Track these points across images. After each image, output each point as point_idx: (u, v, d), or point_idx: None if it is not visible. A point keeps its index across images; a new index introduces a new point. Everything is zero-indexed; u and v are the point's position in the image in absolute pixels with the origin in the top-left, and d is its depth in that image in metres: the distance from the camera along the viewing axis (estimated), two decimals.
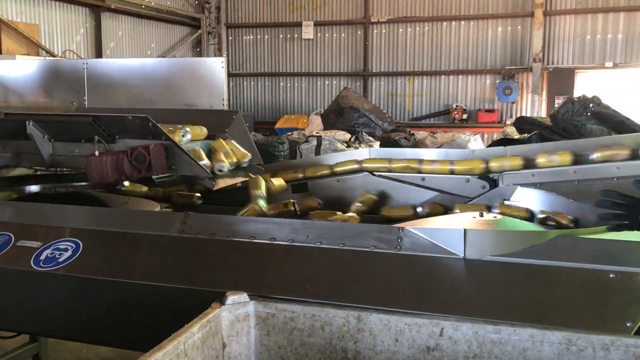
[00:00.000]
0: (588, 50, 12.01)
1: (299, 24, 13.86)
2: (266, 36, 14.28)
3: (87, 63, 3.96)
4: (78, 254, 2.40)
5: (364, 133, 10.44)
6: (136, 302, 2.22)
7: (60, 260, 2.38)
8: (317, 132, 10.61)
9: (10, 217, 2.66)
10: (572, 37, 12.10)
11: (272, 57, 14.29)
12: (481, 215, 2.60)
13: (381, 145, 10.01)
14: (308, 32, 13.89)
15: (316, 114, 12.53)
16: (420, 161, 3.39)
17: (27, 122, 2.99)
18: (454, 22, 12.89)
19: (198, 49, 14.34)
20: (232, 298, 1.96)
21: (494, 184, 3.22)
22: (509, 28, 12.53)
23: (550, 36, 12.20)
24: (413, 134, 11.22)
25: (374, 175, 3.44)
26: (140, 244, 2.44)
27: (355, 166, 3.46)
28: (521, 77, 12.44)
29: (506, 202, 3.15)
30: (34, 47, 9.40)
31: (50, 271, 2.35)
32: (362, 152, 3.58)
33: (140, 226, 2.50)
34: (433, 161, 3.35)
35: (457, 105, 12.94)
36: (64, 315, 2.37)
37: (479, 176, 3.23)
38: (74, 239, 2.47)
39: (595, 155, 2.98)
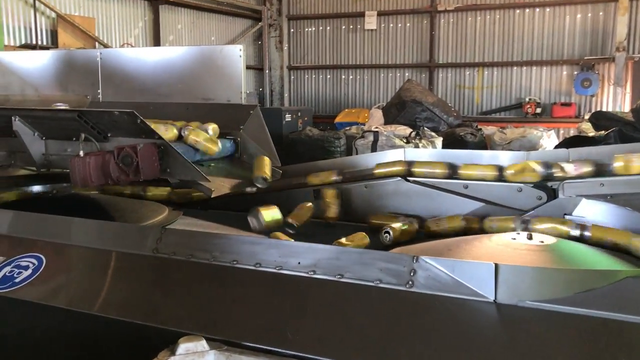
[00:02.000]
0: None
1: (361, 14, 13.33)
2: (328, 27, 13.82)
3: (101, 53, 3.65)
4: (38, 273, 2.05)
5: (425, 128, 9.80)
6: (87, 336, 1.84)
7: (17, 280, 2.04)
8: (376, 127, 10.08)
9: None
10: None
11: (334, 49, 13.83)
12: (529, 237, 2.04)
13: (444, 141, 9.40)
14: (371, 22, 13.33)
15: (377, 107, 11.98)
16: (464, 165, 2.84)
17: (13, 118, 2.68)
18: (527, 10, 11.97)
19: (259, 42, 14.09)
20: (185, 346, 1.54)
21: (552, 194, 2.65)
22: (589, 15, 11.49)
23: (637, 22, 11.06)
24: (480, 129, 10.48)
25: (408, 181, 2.92)
26: (107, 265, 2.06)
27: (387, 169, 2.95)
28: (602, 68, 11.39)
29: (567, 218, 2.56)
30: (90, 40, 9.37)
31: (3, 293, 2.01)
32: (396, 154, 3.06)
33: (112, 242, 2.12)
34: (479, 165, 2.80)
35: (530, 99, 12.03)
36: (10, 344, 2.03)
37: (535, 184, 2.66)
38: (38, 255, 2.13)
39: None
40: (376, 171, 2.95)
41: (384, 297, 1.68)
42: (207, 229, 2.90)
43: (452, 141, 9.81)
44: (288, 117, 11.44)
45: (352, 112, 12.86)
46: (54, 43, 8.95)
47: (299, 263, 1.82)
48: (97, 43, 9.56)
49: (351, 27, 13.60)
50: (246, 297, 1.80)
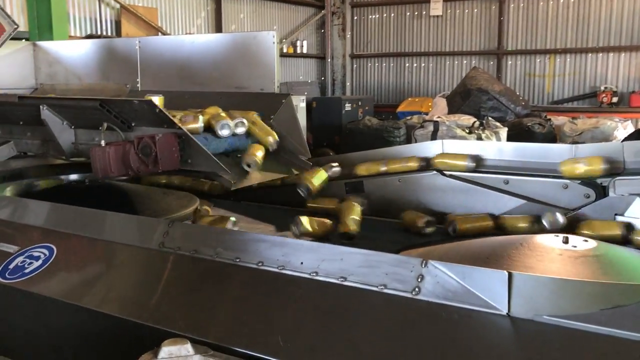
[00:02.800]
0: None
1: (427, 0, 12.92)
2: (392, 14, 13.49)
3: (140, 42, 3.64)
4: (47, 264, 2.03)
5: (490, 118, 9.40)
6: (79, 329, 1.80)
7: (26, 271, 2.02)
8: (437, 117, 9.77)
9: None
10: None
11: (398, 36, 13.50)
12: (565, 241, 1.83)
13: (510, 132, 8.99)
14: (437, 8, 12.90)
15: (441, 96, 11.62)
16: (505, 160, 2.63)
17: (41, 107, 2.69)
18: None
19: (322, 31, 13.96)
20: (168, 350, 1.46)
21: (602, 192, 2.40)
22: None
23: None
24: (549, 119, 9.96)
25: (444, 175, 2.73)
26: (112, 258, 2.01)
27: (422, 163, 2.77)
28: None
29: (619, 218, 2.32)
30: (152, 30, 9.54)
31: (11, 284, 1.99)
32: (432, 146, 2.87)
33: (121, 235, 2.07)
34: (520, 160, 2.57)
35: (605, 87, 11.29)
36: (17, 334, 2.02)
37: (582, 181, 2.42)
38: (50, 245, 2.11)
39: None
40: (409, 164, 2.78)
41: (387, 305, 1.54)
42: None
43: (518, 132, 9.37)
44: (348, 107, 11.28)
45: (415, 101, 12.53)
46: (117, 33, 9.17)
47: (302, 263, 1.70)
48: (159, 33, 9.72)
49: (416, 13, 13.23)
50: (244, 298, 1.70)
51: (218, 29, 11.09)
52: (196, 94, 3.33)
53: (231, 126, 2.66)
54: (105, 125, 2.53)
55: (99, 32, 8.96)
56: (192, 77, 3.42)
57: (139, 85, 3.65)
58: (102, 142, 2.48)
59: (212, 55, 3.36)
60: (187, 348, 1.45)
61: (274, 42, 3.12)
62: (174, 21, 10.38)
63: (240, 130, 2.74)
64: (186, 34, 10.48)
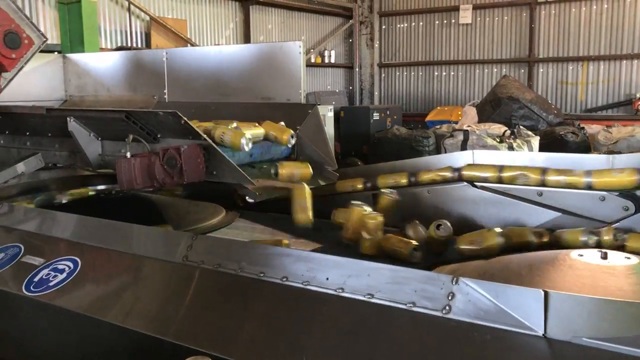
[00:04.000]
0: None
1: (456, 8, 12.82)
2: (421, 23, 13.43)
3: (167, 53, 3.65)
4: (72, 277, 2.02)
5: (521, 127, 9.23)
6: (100, 344, 1.78)
7: (51, 284, 2.01)
8: (468, 126, 9.64)
9: (26, 224, 2.37)
10: None
11: (427, 45, 13.41)
12: (604, 257, 1.74)
13: (542, 141, 8.82)
14: (466, 16, 12.79)
15: (471, 105, 11.47)
16: (541, 170, 2.53)
17: (68, 119, 2.70)
18: None
19: (350, 40, 13.95)
20: None
21: None
22: None
23: None
24: (583, 127, 9.75)
25: (475, 186, 2.66)
26: (138, 272, 1.99)
27: (452, 174, 2.70)
28: None
29: None
30: (181, 42, 9.64)
31: (36, 297, 1.99)
32: (463, 156, 2.80)
33: (145, 247, 2.05)
34: (556, 170, 2.48)
35: None
36: (41, 347, 2.01)
37: (620, 193, 2.32)
38: (74, 258, 2.10)
39: None
40: (439, 175, 2.71)
41: (416, 324, 1.47)
42: (259, 234, 2.80)
43: (551, 141, 9.19)
44: (376, 116, 11.21)
45: (444, 110, 12.41)
46: (147, 45, 9.29)
47: (327, 279, 1.65)
48: (188, 44, 9.82)
49: (445, 21, 13.14)
50: (268, 315, 1.65)
51: (246, 39, 11.17)
52: (223, 104, 3.31)
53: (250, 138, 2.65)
54: (130, 137, 2.52)
55: (129, 44, 9.08)
56: (219, 88, 3.41)
57: (166, 96, 3.65)
58: (128, 154, 2.47)
59: (239, 65, 3.34)
60: None
61: (300, 52, 3.08)
62: (203, 32, 10.48)
63: None
64: (215, 45, 10.57)
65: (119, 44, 9.02)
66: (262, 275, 1.75)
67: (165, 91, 3.64)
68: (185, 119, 2.34)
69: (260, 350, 1.52)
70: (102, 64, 3.97)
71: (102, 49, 8.22)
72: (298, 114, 3.01)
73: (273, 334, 1.57)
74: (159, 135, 2.59)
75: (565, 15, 11.81)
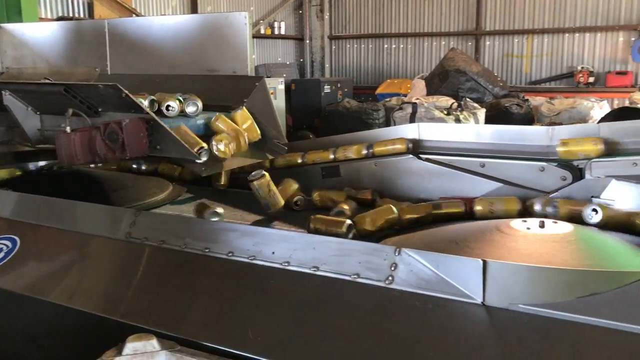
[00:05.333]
0: None
1: None
2: None
3: (109, 24, 3.52)
4: (10, 256, 1.95)
5: (468, 99, 9.40)
6: (43, 325, 1.74)
7: None
8: (416, 99, 9.74)
9: None
10: None
11: (376, 17, 13.39)
12: (541, 225, 1.80)
13: (488, 113, 9.01)
14: None
15: (420, 78, 11.59)
16: (482, 142, 2.59)
17: (3, 92, 2.58)
18: None
19: (300, 11, 13.80)
20: (133, 346, 1.40)
21: (578, 174, 2.38)
22: None
23: None
24: (527, 99, 9.99)
25: (421, 158, 2.69)
26: (80, 250, 1.94)
27: (397, 146, 2.73)
28: None
29: (595, 201, 2.29)
30: (126, 12, 9.32)
31: None
32: (409, 129, 2.83)
33: (87, 225, 2.00)
34: (497, 143, 2.54)
35: (582, 67, 11.35)
36: None
37: (558, 163, 2.39)
38: (13, 237, 2.03)
39: None
40: (385, 148, 2.73)
41: (360, 295, 1.49)
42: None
43: (496, 112, 9.38)
44: (327, 89, 11.19)
45: (394, 83, 12.49)
46: (90, 15, 8.95)
47: (274, 253, 1.65)
48: (133, 15, 9.50)
49: None
50: (213, 290, 1.65)
51: (194, 10, 10.89)
52: (167, 77, 3.23)
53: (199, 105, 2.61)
54: (70, 110, 2.43)
55: (70, 14, 8.72)
56: (163, 60, 3.32)
57: (108, 68, 3.53)
58: (68, 129, 2.39)
59: (183, 37, 3.26)
60: (153, 344, 1.40)
61: (246, 23, 3.02)
62: (149, 2, 10.16)
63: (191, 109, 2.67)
64: (161, 15, 10.27)
65: (60, 14, 8.65)
66: (207, 250, 1.73)
67: (108, 63, 3.52)
68: (127, 91, 2.27)
69: (206, 327, 1.52)
70: (41, 34, 3.80)
71: (41, 19, 7.87)
72: (245, 86, 2.97)
73: (219, 310, 1.57)
74: (100, 109, 2.52)
75: None
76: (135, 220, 1.88)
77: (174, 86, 3.07)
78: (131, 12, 9.51)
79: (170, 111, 2.55)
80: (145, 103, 2.47)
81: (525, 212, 2.17)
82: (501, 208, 2.18)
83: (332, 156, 2.83)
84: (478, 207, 2.19)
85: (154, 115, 2.34)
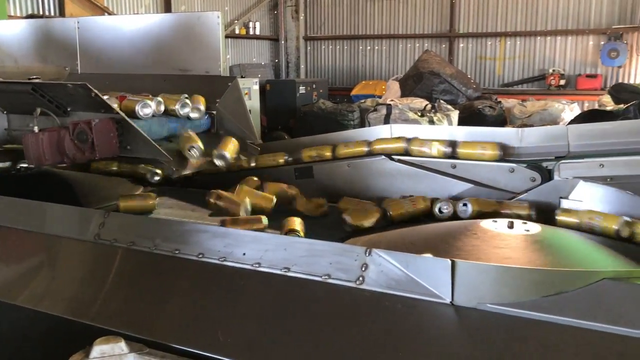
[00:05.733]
0: None
1: None
2: None
3: (79, 22, 3.47)
4: None
5: (442, 101, 9.48)
6: (11, 328, 1.70)
7: None
8: (390, 100, 9.79)
9: None
10: None
11: (352, 19, 13.43)
12: (510, 226, 1.83)
13: (461, 115, 9.10)
14: None
15: (394, 79, 11.64)
16: (454, 143, 2.61)
17: None
18: None
19: (275, 12, 13.76)
20: (100, 349, 1.38)
21: (547, 175, 2.41)
22: None
23: None
24: (500, 101, 10.11)
25: (393, 159, 2.71)
26: (48, 252, 1.91)
27: (369, 148, 2.74)
28: (630, 38, 10.81)
29: (563, 201, 2.34)
30: (98, 11, 9.19)
31: None
32: (382, 131, 2.84)
33: (55, 226, 1.96)
34: (469, 143, 2.56)
35: (554, 70, 11.52)
36: None
37: (528, 164, 2.43)
38: None
39: None
40: (357, 149, 2.74)
41: (330, 295, 1.49)
42: (178, 210, 2.75)
43: (469, 114, 9.47)
44: (302, 90, 11.18)
45: (369, 84, 12.53)
46: (61, 13, 8.80)
47: (244, 254, 1.64)
48: (106, 13, 9.38)
49: None
50: (183, 292, 1.63)
51: (167, 9, 10.79)
52: (139, 76, 3.20)
53: (152, 107, 2.60)
54: (38, 110, 2.39)
55: (40, 12, 8.57)
56: (134, 59, 3.29)
57: (78, 67, 3.49)
58: (36, 128, 2.35)
59: (155, 36, 3.23)
60: (121, 346, 1.38)
61: (218, 23, 3.01)
62: (121, 1, 10.04)
63: (185, 111, 2.70)
64: (134, 14, 10.16)
65: (30, 12, 8.49)
66: (177, 252, 1.72)
67: (78, 62, 3.47)
68: (96, 91, 2.24)
69: (176, 329, 1.50)
70: (9, 32, 3.73)
71: (10, 17, 7.72)
72: (217, 86, 2.95)
73: (188, 311, 1.56)
74: (69, 109, 2.48)
75: None
76: (104, 222, 1.86)
77: (145, 86, 3.04)
78: (103, 10, 9.38)
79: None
80: (152, 105, 2.49)
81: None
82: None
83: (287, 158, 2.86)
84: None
85: (124, 115, 2.32)
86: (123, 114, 2.32)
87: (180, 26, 3.14)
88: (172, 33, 3.17)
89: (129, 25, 3.33)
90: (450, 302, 1.36)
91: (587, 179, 2.29)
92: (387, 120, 8.68)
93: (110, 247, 1.80)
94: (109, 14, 9.45)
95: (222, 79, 2.98)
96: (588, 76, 11.22)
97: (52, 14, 8.78)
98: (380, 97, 11.15)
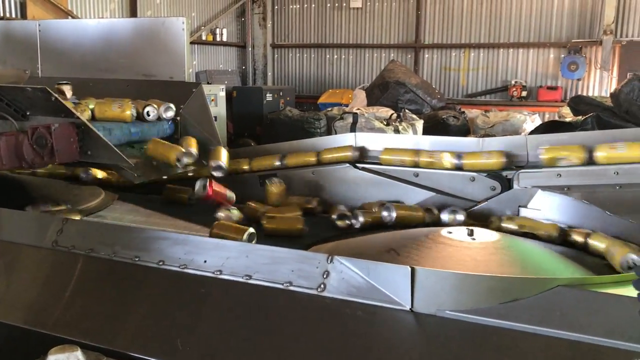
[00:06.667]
0: None
1: None
2: (313, 5, 13.48)
3: (40, 25, 3.41)
4: None
5: (407, 110, 9.59)
6: None
7: None
8: (357, 109, 9.85)
9: None
10: None
11: (319, 27, 13.51)
12: (470, 234, 1.86)
13: (426, 124, 9.22)
14: (357, 0, 13.01)
15: (361, 88, 11.74)
16: (417, 152, 2.65)
17: None
18: None
19: (242, 19, 13.74)
20: (55, 358, 1.35)
21: (507, 184, 2.46)
22: None
23: (625, 5, 10.80)
24: (463, 112, 10.29)
25: (357, 167, 2.73)
26: (2, 259, 1.86)
27: (335, 155, 2.75)
28: (589, 52, 11.15)
29: (522, 210, 2.39)
30: (61, 14, 9.02)
31: None
32: (346, 139, 2.86)
33: (12, 233, 1.92)
34: (432, 152, 2.60)
35: (516, 82, 11.79)
36: None
37: (488, 174, 2.47)
38: None
39: None
40: (322, 157, 2.75)
41: (292, 303, 1.49)
42: (138, 216, 2.71)
43: (434, 124, 9.60)
44: (269, 97, 11.18)
45: (336, 93, 12.60)
46: (23, 16, 8.61)
47: (205, 261, 1.63)
48: (70, 17, 9.22)
49: (336, 4, 13.27)
50: (142, 300, 1.61)
51: (133, 14, 10.66)
52: (101, 81, 3.15)
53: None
54: None
55: (1, 14, 8.38)
56: (98, 64, 3.24)
57: (39, 71, 3.42)
58: None
59: (119, 40, 3.19)
60: (77, 355, 1.35)
61: (183, 29, 2.99)
62: (86, 5, 9.89)
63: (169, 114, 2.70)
64: (98, 18, 10.01)
65: None
66: (137, 259, 1.70)
67: (39, 65, 3.41)
68: (56, 95, 2.20)
69: (134, 337, 1.48)
70: None
71: None
72: (182, 92, 2.93)
73: (147, 320, 1.53)
74: (28, 113, 2.43)
75: (449, 3, 12.31)
76: (62, 228, 1.82)
77: (107, 91, 3.01)
78: (67, 13, 9.21)
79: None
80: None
81: None
82: None
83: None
84: None
85: (84, 120, 2.28)
86: (83, 119, 2.28)
87: (144, 31, 3.11)
88: (136, 38, 3.14)
89: (92, 29, 3.29)
90: (410, 308, 1.38)
91: (545, 188, 2.34)
92: (353, 128, 8.74)
93: (68, 254, 1.77)
94: (73, 17, 9.28)
95: (186, 85, 2.96)
96: (549, 88, 11.50)
97: (14, 16, 8.59)
98: (347, 105, 11.22)
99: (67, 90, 2.85)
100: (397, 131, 8.45)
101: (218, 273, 1.59)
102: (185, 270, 1.63)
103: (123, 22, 3.28)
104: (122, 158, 2.28)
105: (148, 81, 3.05)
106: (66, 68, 3.34)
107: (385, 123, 8.82)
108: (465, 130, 9.73)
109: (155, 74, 3.08)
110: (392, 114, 9.31)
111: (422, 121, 9.12)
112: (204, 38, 12.54)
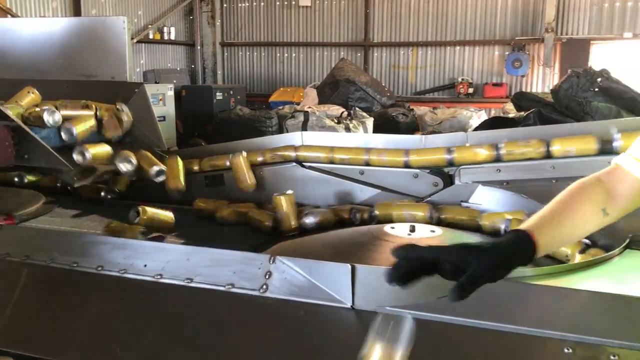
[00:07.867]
0: (606, 20, 10.98)
1: None
2: (262, 3, 13.41)
3: None
4: None
5: (357, 108, 9.65)
6: None
7: None
8: (308, 107, 9.87)
9: None
10: (589, 5, 11.06)
11: (268, 25, 13.45)
12: (412, 230, 1.89)
13: (376, 122, 9.30)
14: None
15: (312, 86, 11.75)
16: (363, 150, 2.67)
17: None
18: None
19: (191, 17, 13.56)
20: None
21: (449, 180, 2.51)
22: None
23: (565, 4, 11.17)
24: (412, 109, 10.42)
25: (303, 166, 2.73)
26: None
27: (281, 154, 2.75)
28: (532, 49, 11.48)
29: (464, 205, 2.44)
30: (0, 12, 8.70)
31: None
32: (294, 138, 2.86)
33: None
34: (374, 150, 2.63)
35: (462, 79, 12.03)
36: None
37: (431, 170, 2.52)
38: None
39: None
40: (268, 156, 2.75)
41: (234, 304, 1.49)
42: (77, 222, 2.65)
43: (383, 122, 9.70)
44: (219, 96, 11.07)
45: (287, 91, 12.57)
46: None
47: (145, 265, 1.61)
48: (9, 15, 8.90)
49: (285, 3, 13.24)
50: (80, 306, 1.57)
51: (77, 13, 10.38)
52: (40, 82, 3.06)
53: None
54: None
55: None
56: (34, 64, 3.15)
57: None
58: None
59: (57, 40, 3.11)
60: None
61: (124, 28, 2.94)
62: (27, 3, 9.57)
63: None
64: (39, 17, 9.70)
65: None
66: (75, 265, 1.66)
67: None
68: None
69: (71, 345, 1.44)
70: None
71: None
72: (123, 93, 2.88)
73: (85, 327, 1.50)
74: None
75: (397, 1, 12.45)
76: None
77: (46, 92, 2.92)
78: (5, 12, 8.88)
79: None
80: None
81: None
82: None
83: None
84: None
85: (20, 123, 2.21)
86: (19, 122, 2.21)
87: (84, 31, 3.04)
88: (76, 38, 3.07)
89: (31, 29, 3.19)
90: (351, 306, 1.39)
91: (485, 183, 2.40)
92: (304, 127, 8.75)
93: (1, 261, 1.71)
94: (12, 16, 8.97)
95: (128, 85, 2.91)
96: (494, 85, 11.77)
97: None
98: (298, 104, 11.20)
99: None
100: (348, 129, 8.50)
101: (158, 277, 1.57)
102: (125, 275, 1.60)
103: (64, 22, 3.21)
104: (61, 161, 2.22)
105: (89, 82, 2.98)
106: (3, 69, 3.24)
107: (336, 121, 8.85)
108: (414, 127, 9.87)
109: (95, 74, 3.01)
110: (342, 112, 9.36)
111: (372, 119, 9.20)
112: (151, 37, 12.32)
